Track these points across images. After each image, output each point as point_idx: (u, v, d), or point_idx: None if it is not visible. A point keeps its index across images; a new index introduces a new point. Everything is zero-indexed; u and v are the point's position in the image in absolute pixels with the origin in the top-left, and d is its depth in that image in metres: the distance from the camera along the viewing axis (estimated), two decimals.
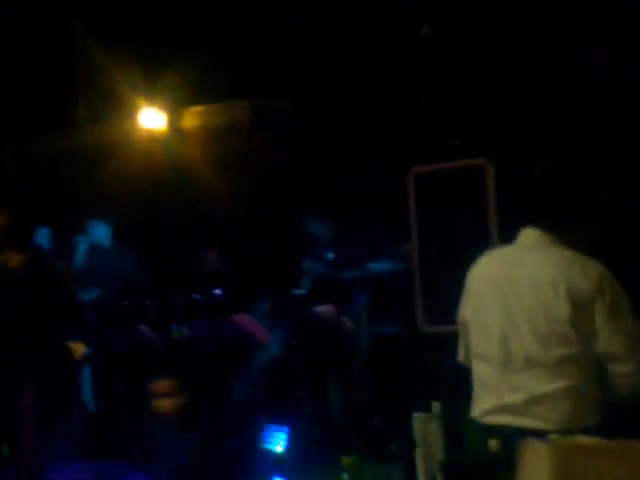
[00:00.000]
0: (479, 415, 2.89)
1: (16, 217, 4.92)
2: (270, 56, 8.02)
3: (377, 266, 6.84)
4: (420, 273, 5.67)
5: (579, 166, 2.98)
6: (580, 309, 2.69)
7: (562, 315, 2.69)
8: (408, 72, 7.12)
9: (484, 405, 2.88)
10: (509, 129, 6.39)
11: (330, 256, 7.02)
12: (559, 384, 2.73)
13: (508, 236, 5.26)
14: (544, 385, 2.75)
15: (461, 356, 3.06)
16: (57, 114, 9.24)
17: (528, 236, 2.86)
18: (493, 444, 2.58)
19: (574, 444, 2.45)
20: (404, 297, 6.00)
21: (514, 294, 2.79)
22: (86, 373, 6.98)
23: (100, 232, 7.35)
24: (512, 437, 2.61)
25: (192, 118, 8.87)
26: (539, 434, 2.58)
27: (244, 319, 6.68)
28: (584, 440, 2.48)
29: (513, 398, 2.79)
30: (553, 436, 2.48)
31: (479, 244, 5.44)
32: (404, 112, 7.23)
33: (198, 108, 8.85)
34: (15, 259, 4.83)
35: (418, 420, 2.89)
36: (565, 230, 2.83)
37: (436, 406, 2.93)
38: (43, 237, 7.27)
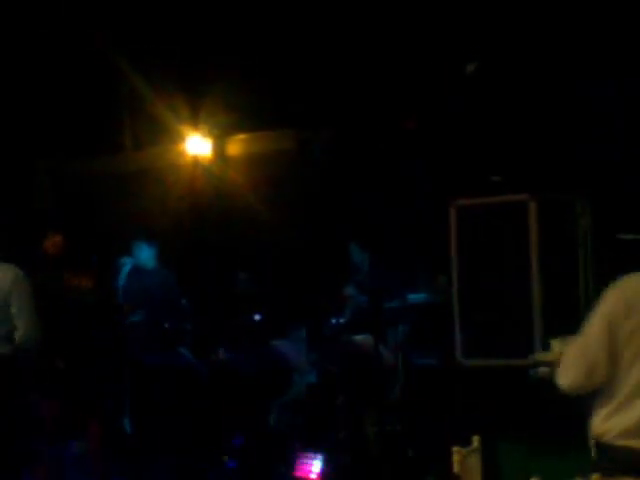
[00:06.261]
0: (612, 434, 2.83)
1: (70, 237, 5.16)
2: (314, 86, 8.11)
3: (415, 297, 6.79)
4: (459, 306, 5.68)
5: None
6: None
7: None
8: (452, 107, 7.17)
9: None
10: (550, 167, 6.41)
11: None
12: None
13: (549, 270, 5.25)
14: None
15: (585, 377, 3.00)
16: (105, 140, 9.36)
17: None
18: None
19: None
20: (442, 329, 6.01)
21: None
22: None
23: (145, 254, 7.23)
24: None
25: (236, 145, 8.96)
26: None
27: (282, 345, 6.70)
28: None
29: None
30: (595, 476, 2.50)
31: (519, 278, 5.47)
32: (447, 146, 7.27)
33: (242, 136, 8.95)
34: (85, 282, 5.12)
35: (458, 454, 2.91)
36: None
37: (476, 440, 2.96)
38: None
